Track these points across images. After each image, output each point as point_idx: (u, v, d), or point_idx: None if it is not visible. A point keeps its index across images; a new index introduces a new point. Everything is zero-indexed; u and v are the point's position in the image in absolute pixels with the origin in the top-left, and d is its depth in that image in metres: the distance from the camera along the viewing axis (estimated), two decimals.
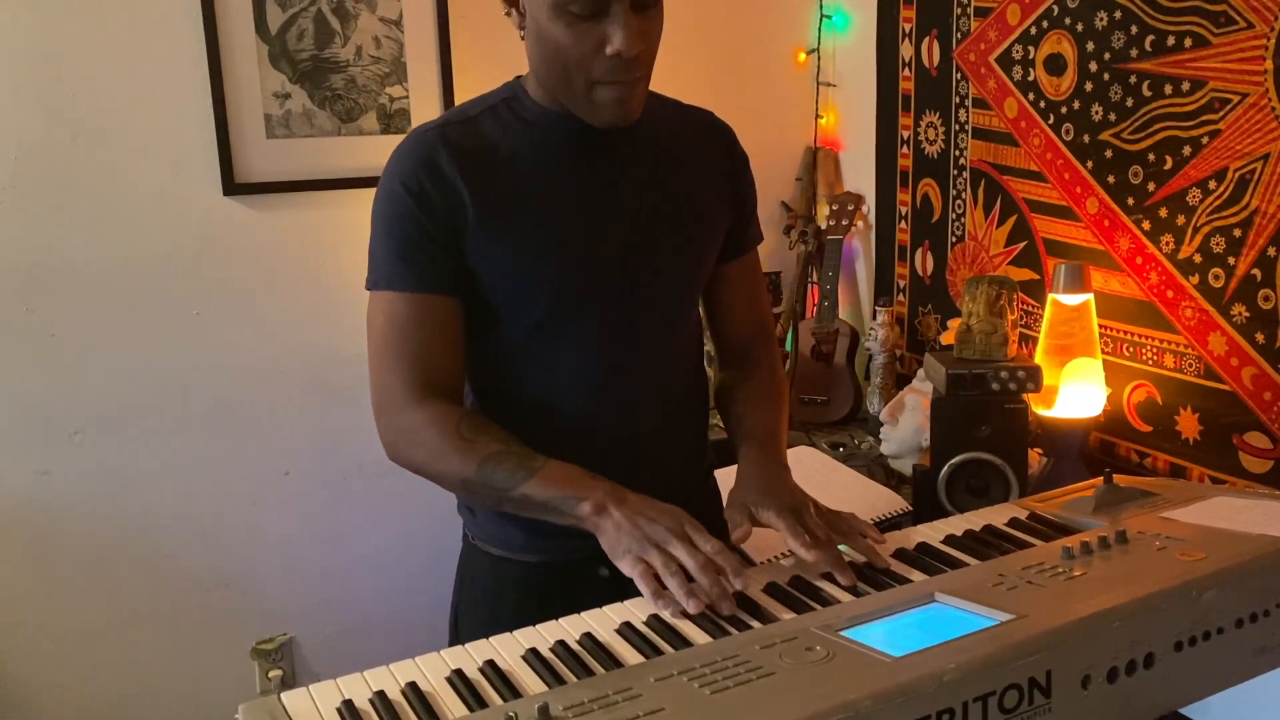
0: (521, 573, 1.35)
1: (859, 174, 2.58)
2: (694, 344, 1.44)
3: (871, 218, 2.53)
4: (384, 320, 1.25)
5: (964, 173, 2.22)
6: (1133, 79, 1.80)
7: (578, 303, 1.28)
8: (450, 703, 0.88)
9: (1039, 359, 1.82)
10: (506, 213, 1.24)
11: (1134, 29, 1.78)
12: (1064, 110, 1.94)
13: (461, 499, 1.37)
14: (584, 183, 1.28)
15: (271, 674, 2.33)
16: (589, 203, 1.27)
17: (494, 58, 2.27)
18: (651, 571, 1.06)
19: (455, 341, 1.27)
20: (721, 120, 1.43)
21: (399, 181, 1.23)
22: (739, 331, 1.48)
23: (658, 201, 1.31)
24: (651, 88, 1.28)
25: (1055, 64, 1.95)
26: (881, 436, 2.08)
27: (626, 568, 1.08)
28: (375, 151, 2.20)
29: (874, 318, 2.42)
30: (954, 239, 2.28)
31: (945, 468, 1.61)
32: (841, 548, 1.14)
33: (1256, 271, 1.64)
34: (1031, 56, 2.00)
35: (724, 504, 1.29)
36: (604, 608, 1.05)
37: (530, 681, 0.91)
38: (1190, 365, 1.77)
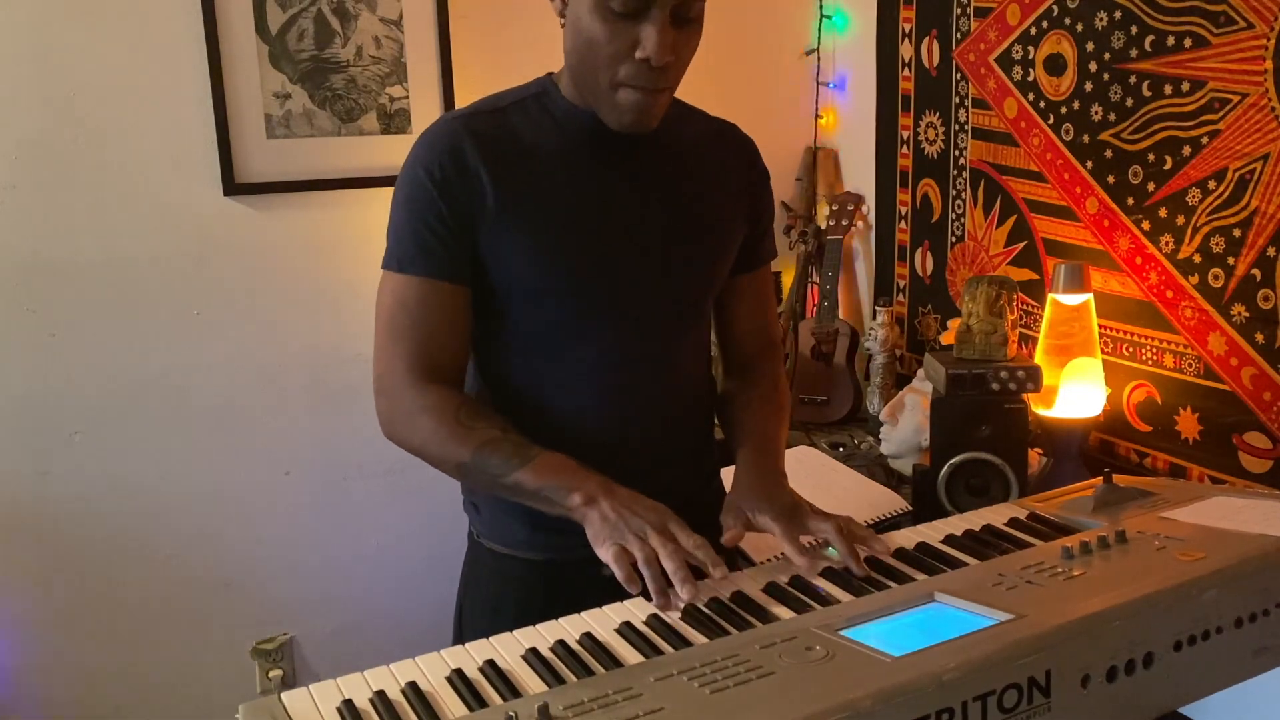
0: (525, 570, 1.36)
1: (859, 174, 2.58)
2: (703, 349, 1.45)
3: (871, 218, 2.53)
4: (393, 301, 1.26)
5: (964, 173, 2.22)
6: (1132, 79, 1.80)
7: (589, 302, 1.28)
8: (450, 702, 0.88)
9: (1039, 359, 1.82)
10: (526, 207, 1.24)
11: (1134, 29, 1.78)
12: (1064, 110, 1.94)
13: (459, 483, 1.38)
14: (605, 184, 1.28)
15: (271, 674, 2.34)
16: (608, 204, 1.28)
17: (494, 57, 2.29)
18: (627, 558, 1.07)
19: (462, 329, 1.27)
20: (746, 134, 1.44)
21: (422, 167, 1.24)
22: (745, 343, 1.49)
23: (676, 209, 1.32)
24: None
25: (1055, 64, 1.95)
26: (881, 436, 2.08)
27: (605, 555, 1.09)
28: (375, 151, 2.20)
29: (874, 318, 2.42)
30: (954, 239, 2.28)
31: (945, 468, 1.61)
32: (831, 550, 1.15)
33: (1256, 271, 1.64)
34: (1031, 56, 2.00)
35: None
36: (604, 607, 1.05)
37: (530, 681, 0.91)
38: (1190, 365, 1.77)
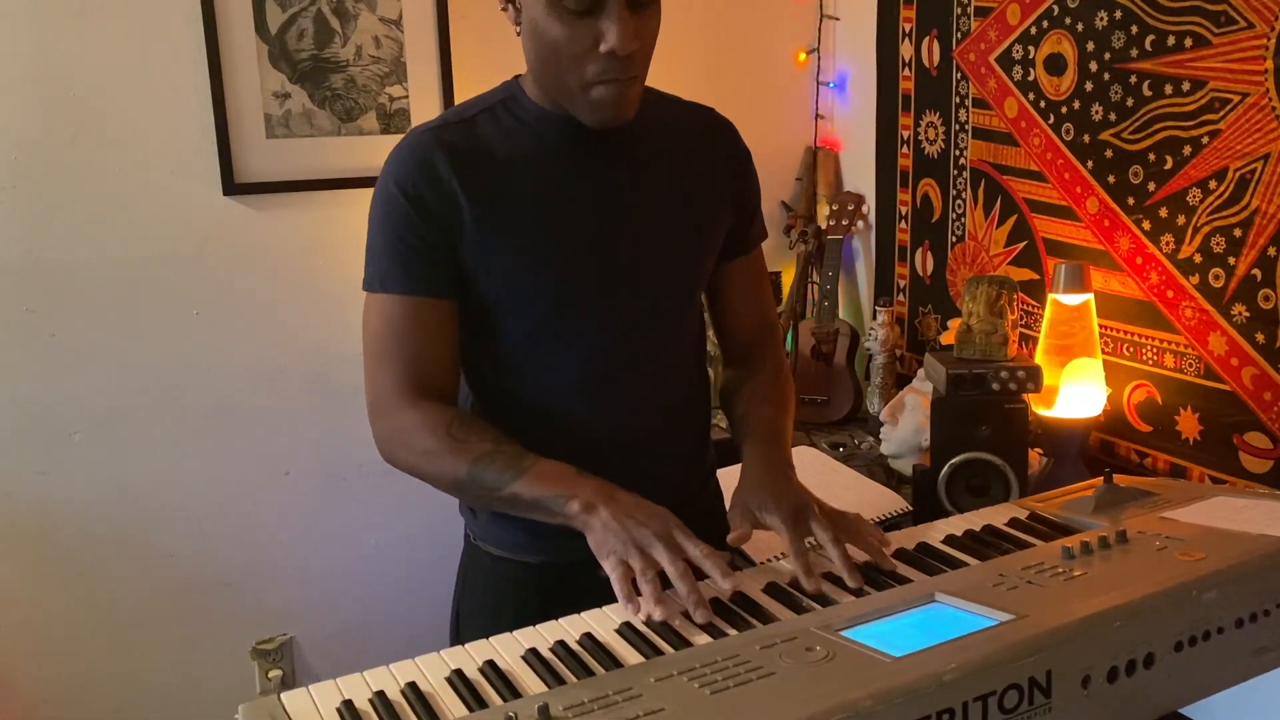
0: (523, 573, 1.35)
1: (859, 174, 2.58)
2: (695, 344, 1.43)
3: (871, 218, 2.53)
4: (378, 322, 1.25)
5: (964, 173, 2.22)
6: (1133, 79, 1.80)
7: (576, 304, 1.27)
8: (450, 703, 0.88)
9: (1039, 359, 1.82)
10: (504, 215, 1.23)
11: (1134, 29, 1.78)
12: (1064, 110, 1.94)
13: (456, 499, 1.37)
14: (582, 184, 1.27)
15: (271, 674, 2.33)
16: (587, 204, 1.27)
17: (494, 58, 2.27)
18: (630, 575, 1.05)
19: (449, 344, 1.26)
20: (723, 117, 1.42)
21: (395, 183, 1.23)
22: (743, 330, 1.47)
23: (657, 202, 1.31)
24: (652, 85, 1.28)
25: (1055, 64, 1.95)
26: (881, 436, 2.08)
27: (609, 568, 1.07)
28: (375, 151, 2.20)
29: (874, 318, 2.42)
30: (954, 239, 2.28)
31: (945, 468, 1.61)
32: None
33: (1257, 271, 1.64)
34: (1031, 56, 2.00)
35: (727, 504, 1.29)
36: (604, 608, 1.05)
37: (530, 681, 0.91)
38: (1190, 365, 1.77)
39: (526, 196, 1.24)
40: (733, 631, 0.97)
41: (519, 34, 1.21)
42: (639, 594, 1.04)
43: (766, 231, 1.47)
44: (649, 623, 1.01)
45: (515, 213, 1.24)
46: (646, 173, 1.31)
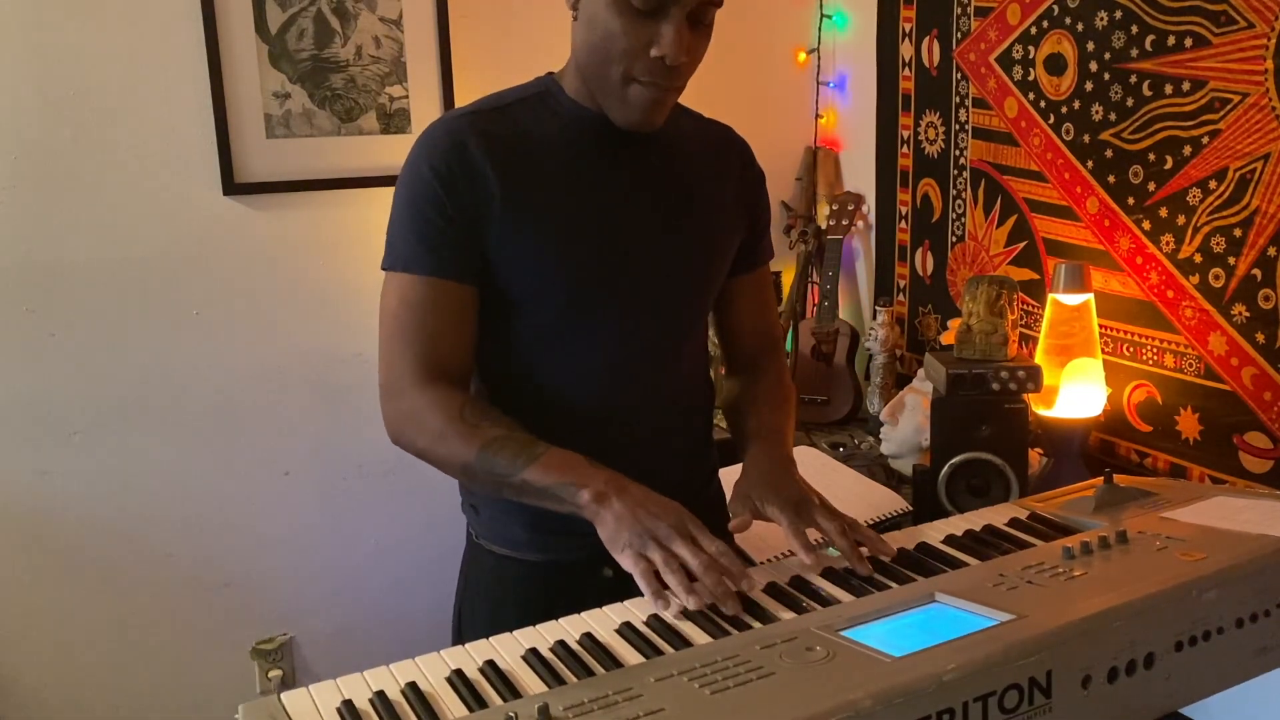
0: (525, 572, 1.35)
1: (859, 174, 2.58)
2: (701, 351, 1.46)
3: (871, 218, 2.53)
4: (397, 302, 1.24)
5: (964, 172, 2.22)
6: (1133, 79, 1.80)
7: (592, 301, 1.28)
8: (450, 703, 0.88)
9: (1039, 359, 1.82)
10: (531, 204, 1.24)
11: (1134, 29, 1.78)
12: (1064, 110, 1.94)
13: (462, 484, 1.37)
14: (608, 183, 1.28)
15: (271, 674, 2.34)
16: (611, 204, 1.28)
17: (494, 57, 2.29)
18: (652, 570, 1.05)
19: (468, 329, 1.26)
20: (740, 136, 1.45)
21: (427, 164, 1.22)
22: (747, 343, 1.50)
23: (677, 210, 1.32)
24: None
25: (1055, 64, 1.95)
26: (881, 436, 2.08)
27: (627, 562, 1.07)
28: (375, 151, 2.20)
29: (874, 318, 2.42)
30: (954, 239, 2.28)
31: (945, 468, 1.61)
32: (832, 550, 1.15)
33: (1257, 271, 1.64)
34: (1032, 56, 2.00)
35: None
36: (604, 608, 1.04)
37: (530, 681, 0.91)
38: (1190, 365, 1.77)
39: (555, 188, 1.25)
40: (733, 631, 0.97)
41: (574, 19, 1.22)
42: (665, 588, 1.03)
43: (773, 251, 1.50)
44: (649, 622, 1.01)
45: (542, 203, 1.25)
46: (666, 180, 1.32)
